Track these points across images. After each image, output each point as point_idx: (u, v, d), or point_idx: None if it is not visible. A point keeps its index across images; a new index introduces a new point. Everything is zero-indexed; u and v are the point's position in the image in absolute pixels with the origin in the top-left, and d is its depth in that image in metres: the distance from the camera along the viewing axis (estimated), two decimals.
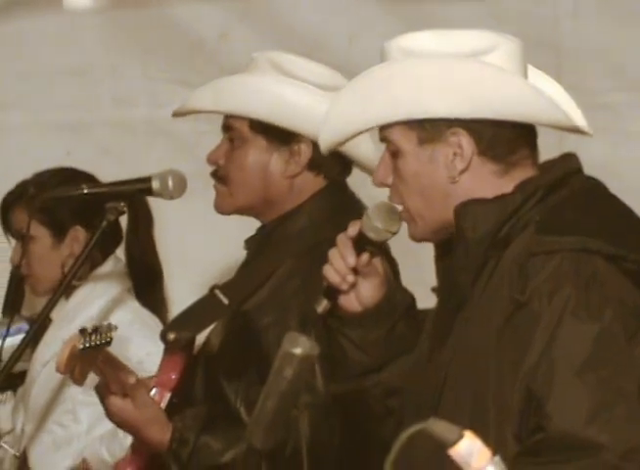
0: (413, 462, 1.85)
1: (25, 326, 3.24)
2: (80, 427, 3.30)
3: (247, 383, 2.93)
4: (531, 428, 2.02)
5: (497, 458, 1.50)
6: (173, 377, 3.00)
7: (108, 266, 3.48)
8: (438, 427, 1.52)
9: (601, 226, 2.27)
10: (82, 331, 2.71)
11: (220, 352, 3.10)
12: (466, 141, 2.17)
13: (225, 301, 2.97)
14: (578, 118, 2.29)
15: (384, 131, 2.28)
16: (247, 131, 3.03)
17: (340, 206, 3.08)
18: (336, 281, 2.39)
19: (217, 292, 2.94)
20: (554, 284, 2.11)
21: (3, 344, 3.12)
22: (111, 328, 2.77)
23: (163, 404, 2.96)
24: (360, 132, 2.34)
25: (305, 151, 2.96)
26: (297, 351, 1.82)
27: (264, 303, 3.04)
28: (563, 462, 2.00)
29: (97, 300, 3.44)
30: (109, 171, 3.53)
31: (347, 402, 2.61)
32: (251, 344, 2.94)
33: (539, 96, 2.27)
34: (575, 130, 2.29)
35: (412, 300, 2.57)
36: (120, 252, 3.66)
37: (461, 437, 1.48)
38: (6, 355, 3.04)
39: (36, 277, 3.49)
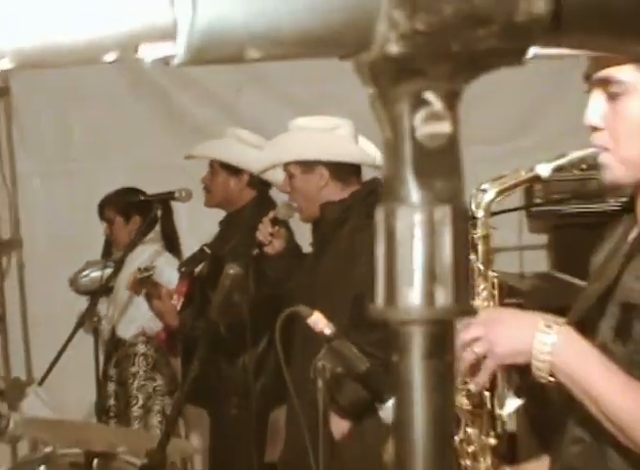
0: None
1: (112, 264, 5.29)
2: (139, 313, 5.20)
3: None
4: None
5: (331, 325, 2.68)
6: (184, 290, 4.90)
7: (151, 235, 5.33)
8: (302, 309, 2.73)
9: None
10: (139, 269, 4.90)
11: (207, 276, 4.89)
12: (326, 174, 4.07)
13: (208, 251, 4.76)
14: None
15: None
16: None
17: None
18: (262, 239, 4.24)
19: (204, 247, 4.79)
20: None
21: (103, 272, 5.21)
22: (152, 267, 4.96)
23: (179, 305, 4.89)
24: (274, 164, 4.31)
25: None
26: (231, 271, 3.44)
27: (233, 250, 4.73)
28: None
29: (146, 252, 5.30)
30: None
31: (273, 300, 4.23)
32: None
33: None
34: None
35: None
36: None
37: (311, 313, 2.68)
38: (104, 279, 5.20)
39: (117, 241, 5.42)
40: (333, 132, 4.22)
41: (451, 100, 0.70)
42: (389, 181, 0.70)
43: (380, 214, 0.71)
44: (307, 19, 0.67)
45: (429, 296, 0.70)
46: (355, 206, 4.11)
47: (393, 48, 0.68)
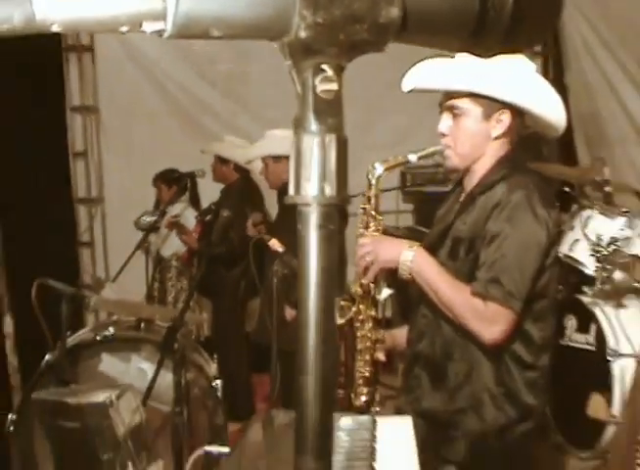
0: None
1: (158, 213, 5.11)
2: (173, 242, 5.18)
3: None
4: None
5: None
6: (199, 229, 4.90)
7: (183, 197, 5.19)
8: (265, 237, 2.83)
9: None
10: (172, 216, 4.92)
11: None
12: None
13: (214, 207, 4.41)
14: None
15: None
16: None
17: None
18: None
19: (212, 204, 4.45)
20: None
21: (153, 218, 5.06)
22: (180, 215, 5.03)
23: (196, 237, 4.92)
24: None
25: None
26: (224, 214, 3.62)
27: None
28: None
29: (179, 207, 5.23)
30: None
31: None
32: None
33: None
34: None
35: None
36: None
37: (270, 239, 2.78)
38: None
39: (162, 200, 5.33)
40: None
41: (338, 70, 0.69)
42: (299, 119, 0.68)
43: (293, 139, 0.69)
44: (247, 11, 0.65)
45: (321, 189, 0.68)
46: None
47: (303, 34, 0.66)
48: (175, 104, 5.90)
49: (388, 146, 5.68)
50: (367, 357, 2.42)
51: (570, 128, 5.15)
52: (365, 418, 1.88)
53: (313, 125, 0.68)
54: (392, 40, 0.70)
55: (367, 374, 2.43)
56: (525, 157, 2.55)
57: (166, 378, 2.85)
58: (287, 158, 4.11)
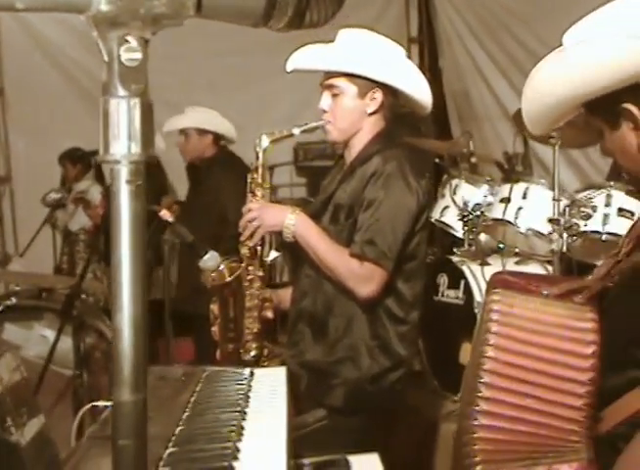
0: None
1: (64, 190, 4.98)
2: (80, 217, 5.02)
3: None
4: None
5: None
6: (104, 204, 4.71)
7: (88, 175, 5.04)
8: (156, 208, 2.70)
9: None
10: (77, 192, 4.81)
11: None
12: None
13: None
14: None
15: None
16: None
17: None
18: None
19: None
20: None
21: (59, 195, 4.96)
22: (85, 192, 4.96)
23: (100, 212, 4.75)
24: None
25: None
26: None
27: None
28: None
29: (84, 183, 5.05)
30: None
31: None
32: None
33: None
34: None
35: None
36: None
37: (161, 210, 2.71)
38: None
39: (68, 178, 5.07)
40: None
41: (143, 42, 0.70)
42: (106, 84, 0.70)
43: (101, 103, 0.72)
44: None
45: (128, 147, 0.70)
46: (218, 161, 4.13)
47: (104, 8, 0.67)
48: (79, 86, 5.74)
49: (284, 122, 5.72)
50: (255, 314, 2.47)
51: (444, 107, 5.30)
52: (243, 370, 1.92)
53: (119, 90, 0.70)
54: (193, 16, 0.72)
55: (255, 330, 2.47)
56: (403, 132, 2.64)
57: (68, 343, 2.82)
58: (211, 133, 4.10)
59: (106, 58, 0.69)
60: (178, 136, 4.15)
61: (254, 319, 2.45)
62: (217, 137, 4.06)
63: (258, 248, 2.42)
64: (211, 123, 4.03)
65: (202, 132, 4.01)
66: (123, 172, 0.70)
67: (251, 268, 2.43)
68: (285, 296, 2.58)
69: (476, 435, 1.34)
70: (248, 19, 0.73)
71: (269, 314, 2.49)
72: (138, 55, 0.69)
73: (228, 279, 2.39)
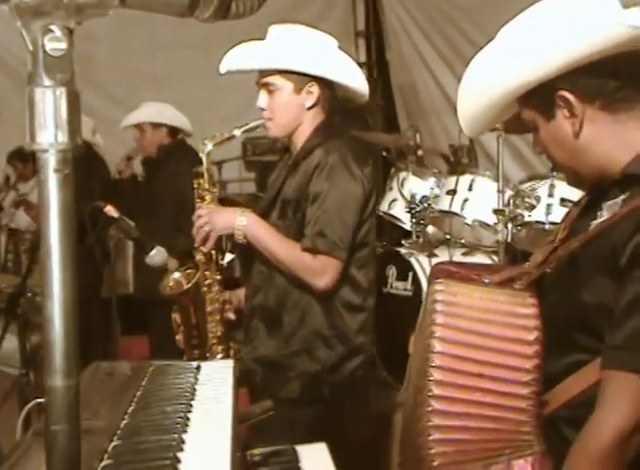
0: None
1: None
2: (24, 217, 4.95)
3: None
4: None
5: None
6: None
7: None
8: (101, 204, 2.59)
9: None
10: (19, 194, 4.80)
11: None
12: None
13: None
14: None
15: None
16: None
17: None
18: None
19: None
20: None
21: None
22: (27, 194, 4.83)
23: None
24: None
25: None
26: None
27: None
28: None
29: (30, 185, 4.90)
30: None
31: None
32: None
33: None
34: None
35: None
36: None
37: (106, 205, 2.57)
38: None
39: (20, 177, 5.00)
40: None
41: (68, 31, 0.70)
42: (32, 74, 0.70)
43: (26, 93, 0.72)
44: None
45: (55, 136, 0.71)
46: (172, 150, 4.09)
47: None
48: (22, 83, 5.64)
49: (235, 117, 5.70)
50: (217, 318, 2.48)
51: (392, 100, 5.35)
52: (190, 363, 1.93)
53: (44, 80, 0.70)
54: (117, 6, 0.73)
55: (219, 333, 2.49)
56: (350, 125, 2.67)
57: (13, 342, 2.78)
58: (165, 126, 4.08)
59: (30, 48, 0.69)
60: (135, 132, 4.12)
61: (217, 323, 2.47)
62: (172, 130, 4.03)
63: (213, 252, 2.43)
64: (164, 116, 4.01)
65: (156, 126, 3.99)
66: (51, 161, 0.71)
67: (207, 273, 2.44)
68: (242, 295, 2.59)
69: (431, 437, 1.30)
70: (173, 9, 0.74)
71: (231, 316, 2.51)
72: (63, 45, 0.70)
73: (186, 287, 2.40)
